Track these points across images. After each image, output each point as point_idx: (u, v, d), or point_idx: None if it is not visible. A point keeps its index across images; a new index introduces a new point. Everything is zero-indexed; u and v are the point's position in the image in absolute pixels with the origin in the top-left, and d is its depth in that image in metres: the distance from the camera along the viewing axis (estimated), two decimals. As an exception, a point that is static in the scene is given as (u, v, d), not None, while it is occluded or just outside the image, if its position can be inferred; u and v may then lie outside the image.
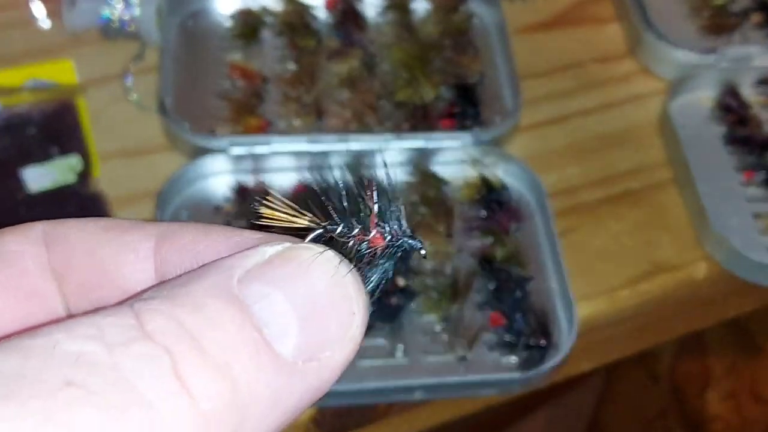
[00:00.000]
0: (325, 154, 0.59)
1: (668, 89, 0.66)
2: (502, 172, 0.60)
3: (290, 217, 0.23)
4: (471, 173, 0.60)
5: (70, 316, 0.26)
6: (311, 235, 0.23)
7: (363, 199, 0.23)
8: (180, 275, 0.23)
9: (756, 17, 0.71)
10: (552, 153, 0.64)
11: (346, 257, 0.22)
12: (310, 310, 0.22)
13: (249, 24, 0.67)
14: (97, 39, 0.66)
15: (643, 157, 0.65)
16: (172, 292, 0.22)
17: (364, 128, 0.61)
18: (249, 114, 0.61)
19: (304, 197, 0.24)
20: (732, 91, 0.66)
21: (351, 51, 0.65)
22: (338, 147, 0.59)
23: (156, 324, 0.21)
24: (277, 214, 0.23)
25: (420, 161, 0.60)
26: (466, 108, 0.63)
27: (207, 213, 0.57)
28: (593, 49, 0.71)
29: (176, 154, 0.60)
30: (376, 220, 0.23)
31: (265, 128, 0.61)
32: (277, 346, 0.22)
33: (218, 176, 0.59)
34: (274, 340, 0.21)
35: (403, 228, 0.24)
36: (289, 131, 0.61)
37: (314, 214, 0.24)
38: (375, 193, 0.23)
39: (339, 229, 0.23)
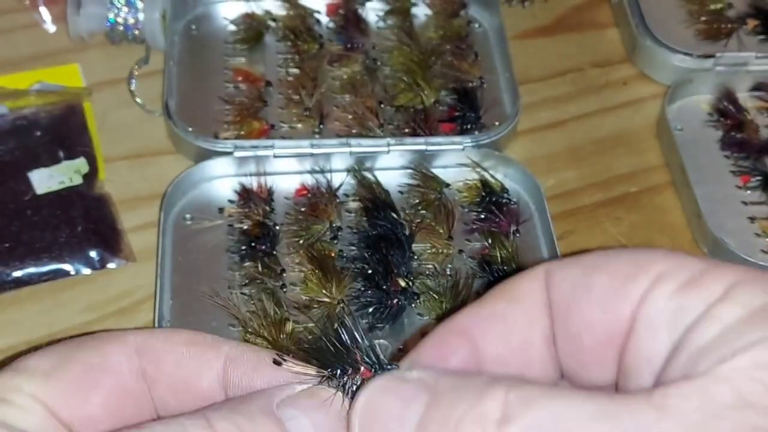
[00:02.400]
0: (327, 157, 0.60)
1: (665, 94, 0.66)
2: (501, 176, 0.61)
3: (302, 369, 0.34)
4: (471, 176, 0.61)
5: (158, 417, 0.35)
6: (323, 381, 0.33)
7: (350, 348, 0.33)
8: (238, 396, 0.34)
9: (752, 23, 0.71)
10: (551, 156, 0.65)
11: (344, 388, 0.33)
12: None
13: (252, 28, 0.67)
14: (103, 43, 0.67)
15: (641, 160, 0.65)
16: (234, 407, 0.32)
17: (365, 131, 0.62)
18: (252, 117, 0.62)
19: (307, 351, 0.34)
20: (728, 96, 0.67)
21: (352, 55, 0.66)
22: (340, 150, 0.60)
23: (222, 426, 0.31)
24: (293, 368, 0.34)
25: (420, 164, 0.61)
26: (466, 112, 0.64)
27: (211, 215, 0.58)
28: (591, 54, 0.72)
29: (180, 157, 0.61)
30: (363, 360, 0.33)
31: (268, 132, 0.62)
32: None
33: (222, 179, 0.59)
34: None
35: (381, 360, 0.33)
36: (291, 135, 0.62)
37: (320, 361, 0.34)
38: (360, 344, 0.33)
39: (339, 374, 0.33)
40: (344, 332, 0.33)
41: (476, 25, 0.71)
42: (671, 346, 0.28)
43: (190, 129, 0.60)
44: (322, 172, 0.59)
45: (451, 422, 0.27)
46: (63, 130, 0.60)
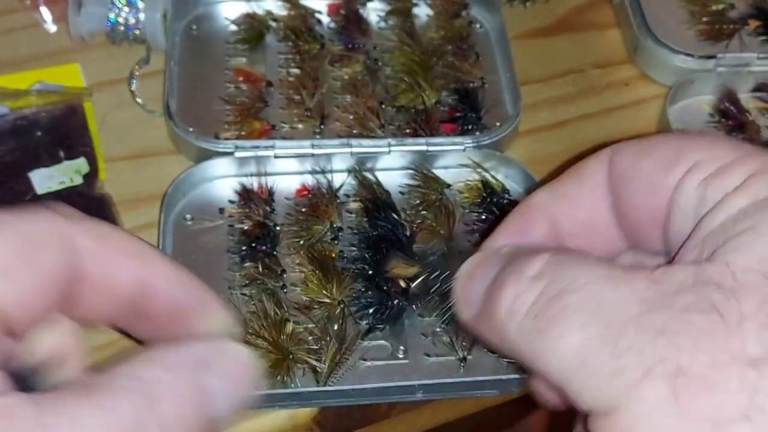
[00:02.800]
0: (327, 158, 0.60)
1: (667, 94, 0.66)
2: (502, 176, 0.61)
3: None
4: (472, 177, 0.61)
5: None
6: None
7: None
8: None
9: (754, 23, 0.71)
10: (552, 157, 0.65)
11: None
12: None
13: (253, 29, 0.67)
14: (104, 43, 0.67)
15: (642, 161, 0.65)
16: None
17: (366, 132, 0.62)
18: (253, 118, 0.62)
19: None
20: (730, 97, 0.67)
21: (354, 56, 0.66)
22: (341, 150, 0.60)
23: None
24: None
25: (421, 164, 0.61)
26: (467, 112, 0.64)
27: (211, 215, 0.58)
28: (593, 55, 0.72)
29: (181, 158, 0.61)
30: None
31: (269, 132, 0.62)
32: None
33: (222, 179, 0.59)
34: None
35: None
36: (292, 135, 0.62)
37: None
38: None
39: None
40: None
41: (477, 26, 0.71)
42: None
43: (191, 129, 0.60)
44: (323, 172, 0.59)
45: (504, 278, 0.33)
46: (63, 131, 0.60)
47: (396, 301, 0.54)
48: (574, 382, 0.29)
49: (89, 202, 0.58)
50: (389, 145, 0.60)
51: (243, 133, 0.61)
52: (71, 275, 0.31)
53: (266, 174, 0.59)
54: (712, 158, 0.32)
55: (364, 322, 0.54)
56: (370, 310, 0.54)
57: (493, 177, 0.60)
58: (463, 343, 0.54)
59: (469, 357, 0.53)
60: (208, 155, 0.59)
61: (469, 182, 0.60)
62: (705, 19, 0.71)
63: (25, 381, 0.28)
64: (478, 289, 0.35)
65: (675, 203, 0.33)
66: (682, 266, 0.29)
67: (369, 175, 0.60)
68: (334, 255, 0.56)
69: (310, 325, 0.53)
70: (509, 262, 0.33)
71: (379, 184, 0.59)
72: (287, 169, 0.60)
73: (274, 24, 0.68)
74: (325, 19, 0.69)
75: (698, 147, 0.33)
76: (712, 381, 0.26)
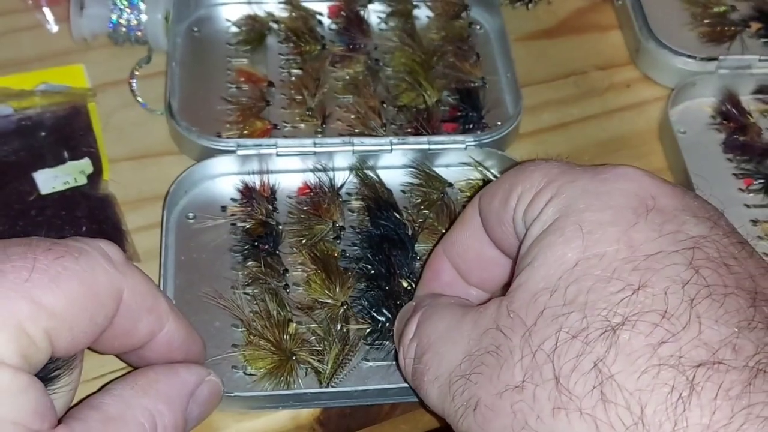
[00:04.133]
0: (330, 156, 0.60)
1: (669, 96, 0.66)
2: (503, 176, 0.61)
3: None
4: (473, 175, 0.61)
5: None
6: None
7: None
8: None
9: (756, 26, 0.71)
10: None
11: None
12: None
13: (255, 30, 0.68)
14: (106, 44, 0.67)
15: (644, 163, 0.65)
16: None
17: (368, 131, 0.62)
18: (255, 117, 0.62)
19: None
20: (731, 99, 0.67)
21: (355, 56, 0.66)
22: (343, 148, 0.60)
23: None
24: None
25: (423, 163, 0.61)
26: (468, 112, 0.64)
27: (214, 213, 0.58)
28: (595, 57, 0.72)
29: (184, 157, 0.61)
30: None
31: (271, 131, 0.62)
32: None
33: (224, 177, 0.60)
34: None
35: None
36: (294, 134, 0.62)
37: None
38: None
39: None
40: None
41: (478, 27, 0.71)
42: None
43: (193, 128, 0.60)
44: (325, 170, 0.59)
45: (399, 339, 0.44)
46: (68, 131, 0.60)
47: (398, 301, 0.54)
48: (446, 420, 0.37)
49: (93, 202, 0.58)
50: (391, 144, 0.60)
51: (245, 132, 0.61)
52: (110, 322, 0.36)
53: (268, 172, 0.59)
54: (528, 188, 0.37)
55: (367, 324, 0.53)
56: (373, 310, 0.54)
57: (494, 176, 0.60)
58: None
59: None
60: (210, 154, 0.59)
61: (471, 181, 0.60)
62: (707, 21, 0.71)
63: (46, 373, 0.35)
64: (396, 341, 0.45)
65: (516, 234, 0.38)
66: (490, 306, 0.36)
67: (371, 174, 0.60)
68: (336, 254, 0.56)
69: (312, 326, 0.53)
70: (409, 315, 0.43)
71: (381, 182, 0.59)
72: (289, 167, 0.60)
73: (275, 25, 0.68)
74: (326, 20, 0.69)
75: (523, 178, 0.38)
76: (495, 408, 0.33)
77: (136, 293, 0.37)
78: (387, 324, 0.52)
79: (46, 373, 0.35)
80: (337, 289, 0.54)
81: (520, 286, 0.34)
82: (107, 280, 0.35)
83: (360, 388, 0.51)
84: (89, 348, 0.38)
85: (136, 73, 0.66)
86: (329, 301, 0.54)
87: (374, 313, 0.53)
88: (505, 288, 0.42)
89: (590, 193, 0.35)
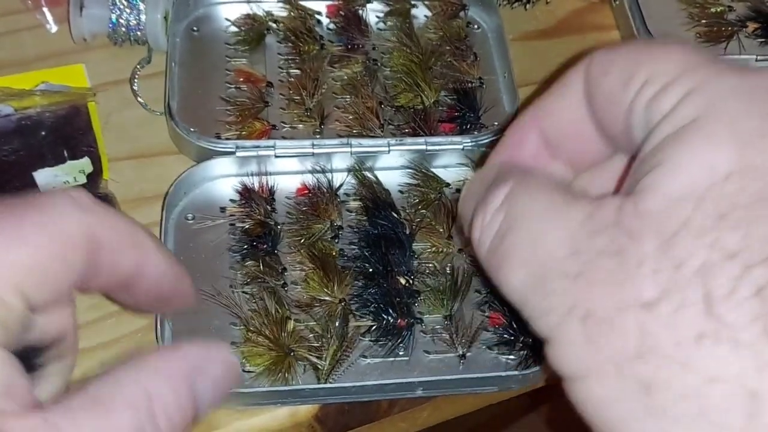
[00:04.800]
0: (328, 157, 0.60)
1: (666, 95, 0.66)
2: (501, 176, 0.61)
3: None
4: (471, 175, 0.61)
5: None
6: None
7: None
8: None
9: (752, 26, 0.72)
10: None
11: None
12: None
13: (253, 30, 0.68)
14: (106, 44, 0.67)
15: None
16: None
17: (366, 132, 0.62)
18: (254, 118, 0.62)
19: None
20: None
21: (353, 56, 0.67)
22: (341, 150, 0.60)
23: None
24: None
25: (421, 163, 0.61)
26: (465, 112, 0.64)
27: (213, 214, 0.58)
28: (593, 57, 0.72)
29: (183, 158, 0.61)
30: None
31: (269, 132, 0.62)
32: None
33: (224, 178, 0.60)
34: None
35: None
36: (292, 135, 0.63)
37: None
38: None
39: None
40: None
41: (475, 27, 0.71)
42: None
43: (192, 129, 0.60)
44: (323, 171, 0.60)
45: (478, 207, 0.35)
46: (68, 131, 0.61)
47: (396, 299, 0.54)
48: (523, 312, 0.32)
49: (92, 201, 0.58)
50: (389, 145, 0.61)
51: (244, 133, 0.62)
52: (89, 263, 0.33)
53: (267, 173, 0.59)
54: (660, 73, 0.31)
55: (365, 320, 0.54)
56: (371, 308, 0.54)
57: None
58: (463, 340, 0.54)
59: (469, 354, 0.54)
60: (209, 155, 0.59)
61: (468, 181, 0.61)
62: (704, 21, 0.71)
63: (29, 359, 0.32)
64: (469, 207, 0.37)
65: (630, 124, 0.33)
66: (609, 202, 0.30)
67: (369, 174, 0.60)
68: (334, 253, 0.56)
69: (311, 323, 0.53)
70: (493, 183, 0.36)
71: (378, 183, 0.60)
72: (288, 168, 0.60)
73: (274, 25, 0.68)
74: (324, 20, 0.69)
75: (653, 59, 0.32)
76: (613, 324, 0.28)
77: (114, 229, 0.34)
78: (391, 321, 0.53)
79: (30, 359, 0.33)
80: (335, 287, 0.54)
81: (650, 188, 0.29)
82: (76, 222, 0.32)
83: (358, 383, 0.52)
84: (82, 291, 0.35)
85: (137, 73, 0.66)
86: (327, 298, 0.54)
87: (378, 309, 0.53)
88: (597, 175, 0.38)
89: (743, 93, 0.29)
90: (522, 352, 0.54)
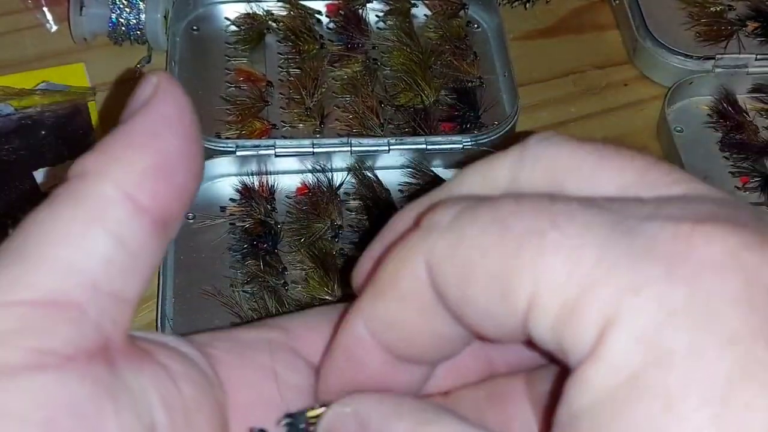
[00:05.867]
0: (328, 156, 0.60)
1: (666, 95, 0.67)
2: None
3: None
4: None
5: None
6: None
7: None
8: None
9: (752, 25, 0.72)
10: (551, 157, 0.65)
11: None
12: None
13: (253, 29, 0.68)
14: (106, 43, 0.67)
15: (641, 161, 0.66)
16: None
17: (366, 131, 0.62)
18: (254, 117, 0.62)
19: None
20: (728, 98, 0.67)
21: (353, 56, 0.67)
22: (341, 149, 0.60)
23: None
24: None
25: (421, 163, 0.61)
26: (465, 111, 0.64)
27: (213, 213, 0.58)
28: (592, 56, 0.72)
29: (183, 157, 0.61)
30: None
31: (270, 131, 0.62)
32: None
33: (224, 178, 0.60)
34: None
35: None
36: (292, 134, 0.63)
37: None
38: None
39: None
40: None
41: (475, 26, 0.71)
42: None
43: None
44: (323, 170, 0.60)
45: None
46: (68, 130, 0.61)
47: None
48: None
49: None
50: (389, 144, 0.60)
51: (244, 132, 0.62)
52: None
53: (267, 172, 0.59)
54: (550, 285, 0.21)
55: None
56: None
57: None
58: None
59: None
60: (209, 154, 0.59)
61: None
62: (704, 20, 0.71)
63: None
64: None
65: (530, 338, 0.22)
66: None
67: (369, 174, 0.60)
68: (334, 253, 0.56)
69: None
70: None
71: (378, 182, 0.60)
72: (288, 167, 0.60)
73: (273, 24, 0.68)
74: (324, 19, 0.69)
75: (527, 261, 0.21)
76: None
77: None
78: None
79: None
80: (335, 286, 0.54)
81: None
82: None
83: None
84: None
85: (137, 74, 0.66)
86: (327, 297, 0.54)
87: None
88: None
89: (680, 315, 0.20)
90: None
